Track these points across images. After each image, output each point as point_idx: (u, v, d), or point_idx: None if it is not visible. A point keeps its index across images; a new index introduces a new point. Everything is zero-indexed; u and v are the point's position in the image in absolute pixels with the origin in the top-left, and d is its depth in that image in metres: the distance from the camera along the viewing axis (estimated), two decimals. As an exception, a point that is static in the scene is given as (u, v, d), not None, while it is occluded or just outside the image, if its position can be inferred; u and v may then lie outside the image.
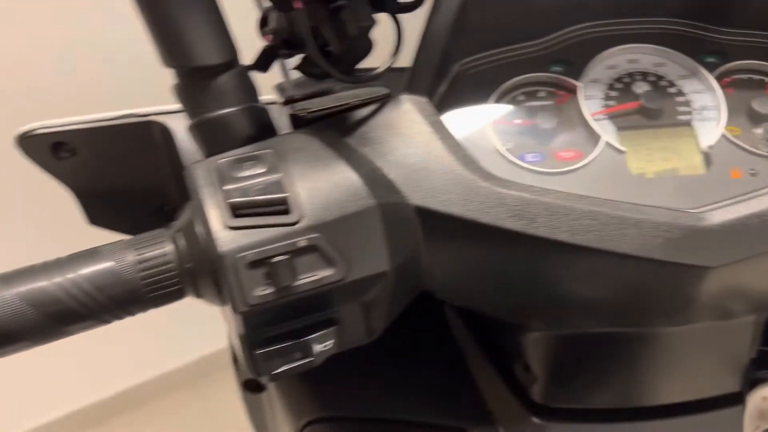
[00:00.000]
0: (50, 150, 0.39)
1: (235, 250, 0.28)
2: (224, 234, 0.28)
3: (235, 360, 0.51)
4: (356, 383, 0.46)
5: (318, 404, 0.45)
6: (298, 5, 0.29)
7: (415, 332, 0.38)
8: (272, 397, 0.50)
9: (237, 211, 0.28)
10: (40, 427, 1.93)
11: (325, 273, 0.29)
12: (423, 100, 0.34)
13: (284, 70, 0.43)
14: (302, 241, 0.28)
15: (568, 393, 0.40)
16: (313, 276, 0.29)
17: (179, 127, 0.39)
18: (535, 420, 0.40)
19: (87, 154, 0.39)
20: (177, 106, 0.39)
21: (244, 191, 0.28)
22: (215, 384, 2.30)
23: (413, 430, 0.43)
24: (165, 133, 0.39)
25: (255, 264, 0.28)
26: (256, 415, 0.54)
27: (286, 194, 0.28)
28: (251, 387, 0.51)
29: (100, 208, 0.43)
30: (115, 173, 0.41)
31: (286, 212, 0.28)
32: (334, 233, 0.29)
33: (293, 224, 0.28)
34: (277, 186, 0.29)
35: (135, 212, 0.44)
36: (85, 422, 2.01)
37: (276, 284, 0.28)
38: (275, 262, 0.28)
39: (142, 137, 0.40)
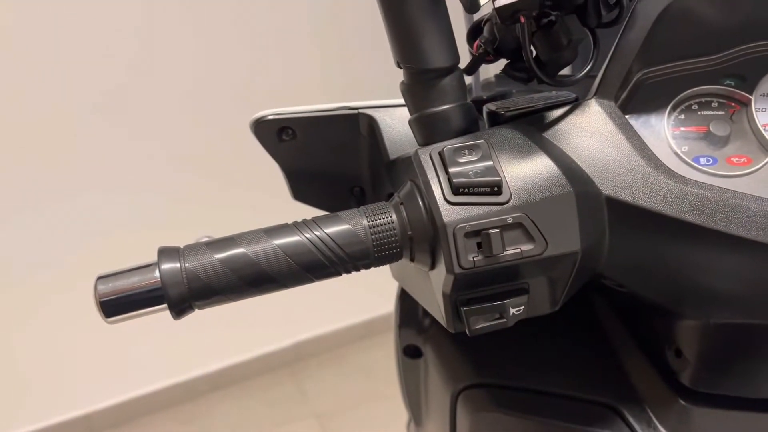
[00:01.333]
0: (276, 133, 0.46)
1: (456, 221, 0.33)
2: (447, 207, 0.34)
3: (400, 326, 0.57)
4: (509, 355, 0.51)
5: (474, 371, 0.51)
6: (522, 19, 0.34)
7: (562, 315, 0.42)
8: (429, 363, 0.56)
9: (458, 189, 0.34)
10: (158, 392, 2.11)
11: (526, 247, 0.34)
12: (610, 104, 0.38)
13: (477, 76, 0.48)
14: (510, 218, 0.34)
15: (718, 380, 0.43)
16: (516, 249, 0.34)
17: (385, 119, 0.45)
18: (683, 403, 0.44)
19: (304, 138, 0.46)
20: (383, 101, 0.46)
21: (464, 173, 0.34)
22: (309, 367, 2.42)
23: (565, 403, 0.47)
24: (372, 124, 0.45)
25: (470, 234, 0.33)
26: (410, 379, 0.60)
27: (500, 178, 0.34)
28: (410, 353, 0.57)
29: (304, 186, 0.50)
30: (322, 157, 0.48)
31: (498, 193, 0.34)
32: (536, 214, 0.34)
33: (504, 203, 0.34)
34: (492, 171, 0.34)
35: (330, 191, 0.51)
36: (190, 393, 2.19)
37: (486, 253, 0.33)
38: (488, 233, 0.33)
39: (350, 127, 0.46)
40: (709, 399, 0.43)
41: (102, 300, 0.34)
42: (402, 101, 0.44)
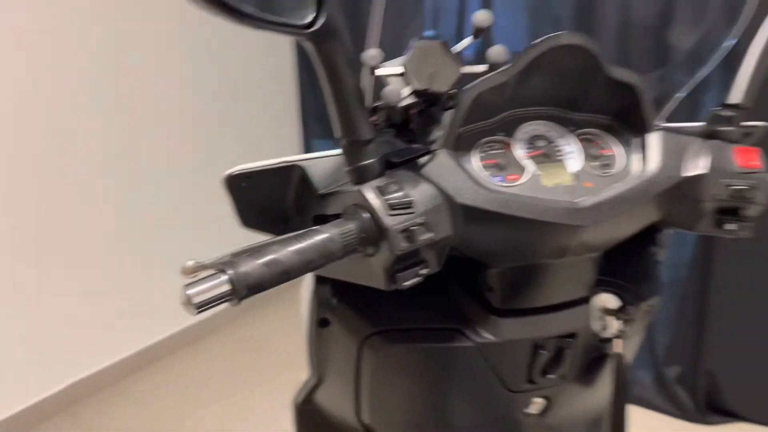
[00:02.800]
0: (238, 182, 0.67)
1: (394, 225, 0.60)
2: (388, 218, 0.60)
3: (318, 305, 0.80)
4: (393, 310, 0.78)
5: (372, 324, 0.77)
6: (413, 113, 0.62)
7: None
8: (336, 329, 0.80)
9: (392, 207, 0.60)
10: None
11: (428, 235, 0.62)
12: (450, 151, 0.68)
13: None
14: (419, 220, 0.61)
15: (512, 300, 0.76)
16: (423, 237, 0.61)
17: (311, 167, 0.69)
18: (495, 317, 0.76)
19: (256, 184, 0.68)
20: (309, 155, 0.70)
21: (393, 198, 0.61)
22: (92, 404, 2.42)
23: (431, 332, 0.76)
24: (302, 172, 0.69)
25: (401, 231, 0.60)
26: (321, 344, 0.83)
27: (412, 199, 0.61)
28: (322, 324, 0.81)
29: (249, 217, 0.71)
30: (265, 195, 0.70)
31: (411, 207, 0.61)
32: (430, 216, 0.62)
33: (415, 213, 0.61)
34: (407, 196, 0.61)
35: (267, 218, 0.73)
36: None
37: (410, 241, 0.60)
38: (412, 230, 0.60)
39: (286, 174, 0.69)
40: (509, 312, 0.76)
41: (194, 302, 0.53)
42: (320, 153, 0.69)
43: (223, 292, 0.54)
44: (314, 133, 2.93)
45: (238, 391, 2.47)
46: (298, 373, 0.95)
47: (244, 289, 0.55)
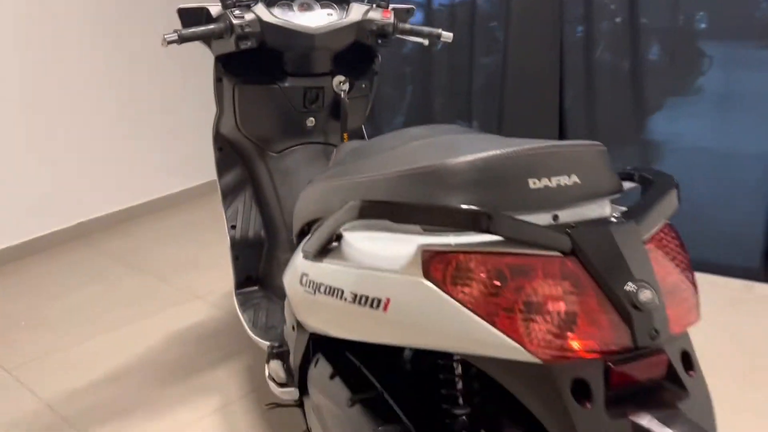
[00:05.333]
0: (184, 13, 1.76)
1: (237, 24, 1.69)
2: (235, 21, 1.69)
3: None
4: (250, 73, 1.88)
5: (239, 79, 1.86)
6: None
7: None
8: (224, 84, 1.89)
9: (236, 18, 1.69)
10: None
11: (250, 29, 1.71)
12: (264, 5, 1.78)
13: None
14: (247, 23, 1.71)
15: (295, 68, 1.86)
16: (248, 29, 1.70)
17: (210, 9, 1.78)
18: (288, 76, 1.85)
19: (189, 14, 1.77)
20: (207, 3, 1.79)
21: (238, 16, 1.70)
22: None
23: (265, 80, 1.87)
24: (206, 10, 1.78)
25: (239, 26, 1.70)
26: (219, 96, 1.93)
27: (244, 16, 1.71)
28: (218, 81, 1.91)
29: (188, 25, 1.80)
30: (193, 20, 1.79)
31: (244, 19, 1.71)
32: (251, 24, 1.71)
33: (246, 21, 1.71)
34: (243, 15, 1.70)
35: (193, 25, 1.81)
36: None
37: (242, 30, 1.70)
38: (243, 26, 1.70)
39: (202, 11, 1.78)
40: (295, 74, 1.86)
41: (167, 40, 1.62)
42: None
43: (175, 38, 1.63)
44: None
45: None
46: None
47: (182, 38, 1.64)
